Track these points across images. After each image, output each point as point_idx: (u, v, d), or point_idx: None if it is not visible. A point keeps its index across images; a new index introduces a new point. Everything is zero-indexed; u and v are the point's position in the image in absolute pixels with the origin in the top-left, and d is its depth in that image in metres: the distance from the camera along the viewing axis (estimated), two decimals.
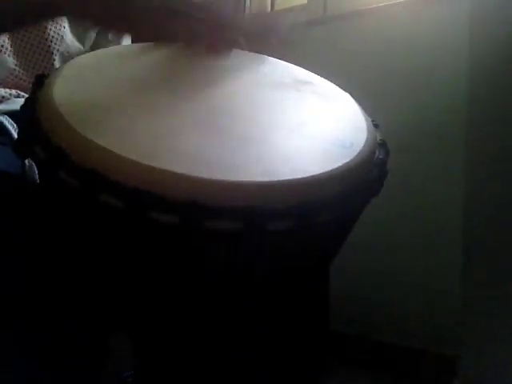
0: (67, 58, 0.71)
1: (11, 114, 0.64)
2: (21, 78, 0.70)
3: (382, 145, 0.54)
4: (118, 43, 0.80)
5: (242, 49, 0.65)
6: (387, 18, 1.61)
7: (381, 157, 0.52)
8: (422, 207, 1.52)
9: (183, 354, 0.63)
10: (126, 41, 0.81)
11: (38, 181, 0.57)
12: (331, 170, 0.46)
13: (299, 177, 0.45)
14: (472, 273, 1.00)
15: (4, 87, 0.69)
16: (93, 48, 0.78)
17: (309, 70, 0.66)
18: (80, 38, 0.76)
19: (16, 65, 0.70)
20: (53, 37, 0.73)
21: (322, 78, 0.65)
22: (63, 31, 0.74)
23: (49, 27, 0.72)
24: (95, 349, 0.59)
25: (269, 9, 2.10)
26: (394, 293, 1.55)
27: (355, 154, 0.49)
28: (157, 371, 0.66)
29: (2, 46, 0.69)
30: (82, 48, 0.76)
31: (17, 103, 0.64)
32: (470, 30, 1.06)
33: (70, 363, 0.56)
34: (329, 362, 0.69)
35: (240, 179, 0.44)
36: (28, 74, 0.70)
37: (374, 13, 1.65)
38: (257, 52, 0.66)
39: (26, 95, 0.54)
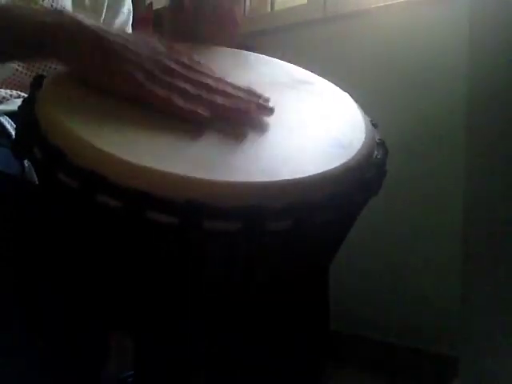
0: None
1: (11, 115, 0.64)
2: (23, 78, 0.70)
3: (381, 144, 0.54)
4: None
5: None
6: (387, 18, 1.61)
7: (379, 156, 0.52)
8: (422, 207, 1.52)
9: (183, 354, 0.63)
10: None
11: (37, 182, 0.57)
12: (330, 170, 0.46)
13: (298, 177, 0.45)
14: (472, 272, 1.00)
15: (6, 87, 0.69)
16: None
17: (308, 70, 0.66)
18: None
19: (19, 65, 0.70)
20: None
21: (322, 78, 0.65)
22: None
23: None
24: (95, 349, 0.59)
25: (269, 9, 2.10)
26: (393, 293, 1.55)
27: (354, 153, 0.49)
28: (157, 371, 0.66)
29: None
30: None
31: (17, 104, 0.64)
32: (470, 30, 1.06)
33: (70, 363, 0.56)
34: (329, 362, 0.69)
35: (239, 179, 0.44)
36: (31, 75, 0.70)
37: (374, 13, 1.65)
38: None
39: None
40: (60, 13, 0.53)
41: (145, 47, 0.53)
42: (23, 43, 0.52)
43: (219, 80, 0.54)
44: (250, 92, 0.54)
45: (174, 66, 0.53)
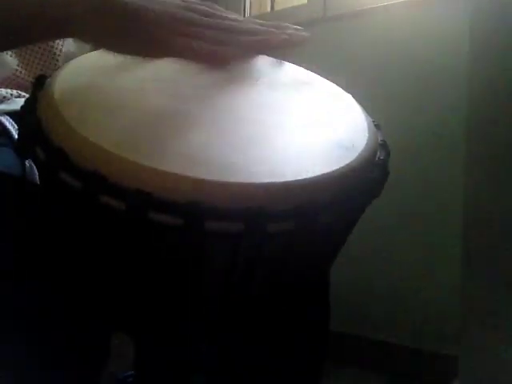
0: (71, 58, 0.71)
1: (12, 115, 0.64)
2: (23, 78, 0.70)
3: (383, 145, 0.54)
4: None
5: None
6: (387, 18, 1.61)
7: (382, 158, 0.52)
8: (422, 207, 1.52)
9: (183, 355, 0.63)
10: None
11: (38, 182, 0.56)
12: (332, 171, 0.46)
13: (300, 178, 0.45)
14: (472, 273, 1.00)
15: (6, 87, 0.69)
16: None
17: (309, 69, 0.66)
18: None
19: (18, 65, 0.70)
20: None
21: (323, 78, 0.65)
22: None
23: None
24: (95, 349, 0.59)
25: (269, 9, 2.10)
26: (393, 293, 1.55)
27: (356, 154, 0.49)
28: (157, 372, 0.66)
29: None
30: (85, 47, 0.76)
31: (18, 103, 0.64)
32: (470, 30, 1.06)
33: (70, 363, 0.56)
34: (329, 362, 0.69)
35: (241, 180, 0.43)
36: (31, 75, 0.70)
37: (374, 13, 1.65)
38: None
39: (28, 95, 0.54)
40: None
41: (162, 2, 0.52)
42: (40, 20, 0.51)
43: (244, 21, 0.53)
44: (279, 26, 0.53)
45: (192, 15, 0.52)
